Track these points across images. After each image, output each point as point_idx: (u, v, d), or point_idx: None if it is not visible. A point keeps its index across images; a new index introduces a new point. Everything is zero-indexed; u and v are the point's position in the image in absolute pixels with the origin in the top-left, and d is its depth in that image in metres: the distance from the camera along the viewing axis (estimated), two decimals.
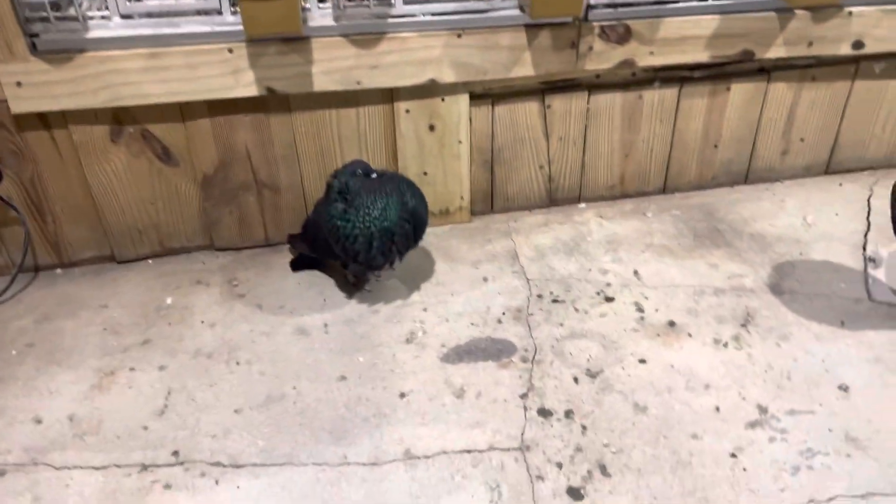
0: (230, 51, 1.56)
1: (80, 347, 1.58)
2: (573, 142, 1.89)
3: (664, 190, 2.04)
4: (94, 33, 1.52)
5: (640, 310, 1.63)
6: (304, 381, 1.48)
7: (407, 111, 1.74)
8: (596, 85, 1.83)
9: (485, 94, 1.78)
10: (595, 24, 1.68)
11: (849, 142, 2.04)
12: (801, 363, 1.47)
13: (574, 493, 1.24)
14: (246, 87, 1.61)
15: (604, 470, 1.27)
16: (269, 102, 1.67)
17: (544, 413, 1.38)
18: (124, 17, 1.53)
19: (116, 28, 1.53)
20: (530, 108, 1.82)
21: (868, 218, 1.89)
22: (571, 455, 1.30)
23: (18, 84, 1.52)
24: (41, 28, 1.50)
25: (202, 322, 1.64)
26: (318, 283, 1.75)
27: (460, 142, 1.81)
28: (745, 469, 1.26)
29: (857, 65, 1.92)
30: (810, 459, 1.27)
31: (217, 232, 1.83)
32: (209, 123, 1.68)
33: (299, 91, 1.64)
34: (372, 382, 1.47)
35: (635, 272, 1.74)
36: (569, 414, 1.38)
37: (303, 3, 1.58)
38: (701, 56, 1.78)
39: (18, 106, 1.55)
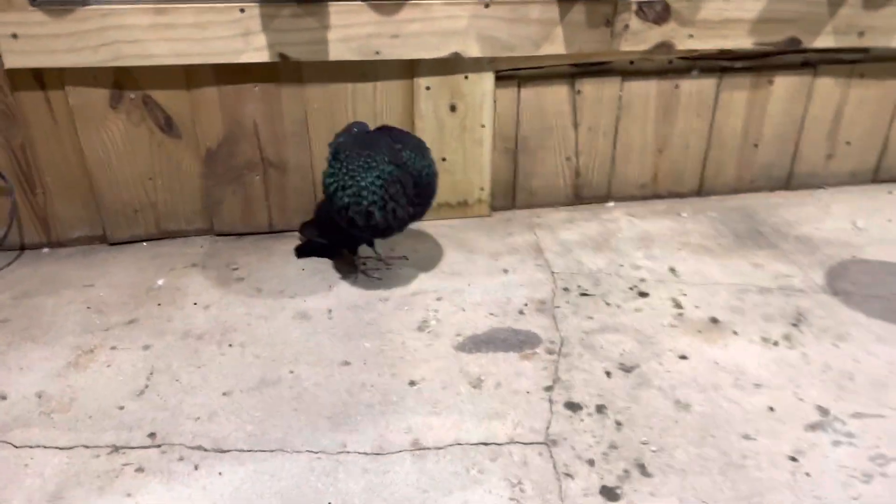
0: (242, 10, 1.46)
1: (59, 324, 1.44)
2: (603, 133, 1.76)
3: (699, 192, 1.89)
4: None
5: (679, 306, 1.47)
6: (302, 366, 1.32)
7: (427, 88, 1.62)
8: (630, 71, 1.72)
9: (511, 76, 1.66)
10: (632, 0, 1.57)
11: None
12: (864, 364, 1.30)
13: (609, 492, 1.06)
14: (257, 51, 1.50)
15: (643, 469, 1.10)
16: (281, 71, 1.56)
17: (572, 406, 1.22)
18: None
19: None
20: (559, 92, 1.70)
21: None
22: (605, 452, 1.13)
23: (14, 36, 1.42)
24: None
25: (195, 304, 1.49)
26: (324, 270, 1.61)
27: (483, 126, 1.68)
28: (808, 474, 1.09)
29: None
30: (884, 466, 1.09)
31: (218, 215, 1.70)
32: (216, 92, 1.56)
33: (313, 59, 1.53)
34: (378, 369, 1.31)
35: (671, 269, 1.59)
36: (601, 409, 1.21)
37: None
38: (744, 42, 1.66)
39: (13, 60, 1.45)
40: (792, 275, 1.56)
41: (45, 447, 1.16)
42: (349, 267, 1.61)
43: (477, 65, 1.61)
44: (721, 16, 1.62)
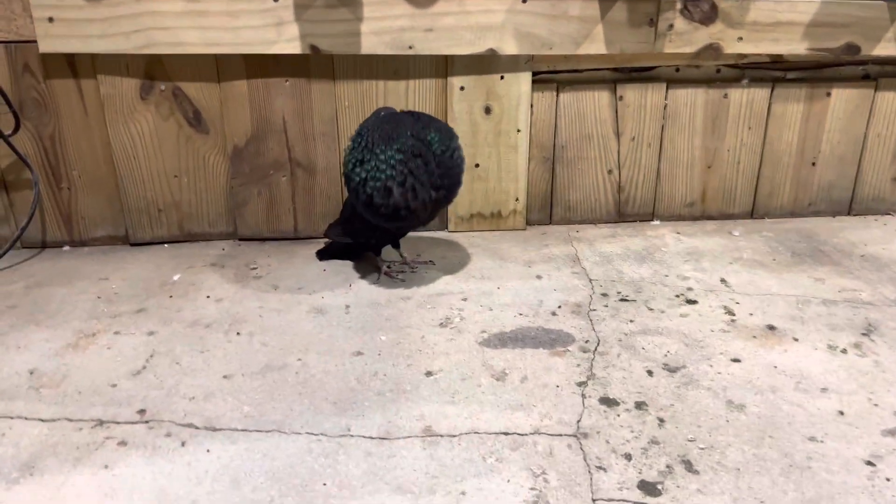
0: None
1: (66, 311, 1.37)
2: (648, 143, 1.67)
3: (752, 214, 1.76)
4: None
5: (731, 313, 1.32)
6: (312, 354, 1.21)
7: (461, 88, 1.57)
8: (675, 79, 1.63)
9: (549, 79, 1.60)
10: None
11: None
12: None
13: (648, 487, 0.90)
14: (288, 42, 1.47)
15: (689, 466, 0.94)
16: (312, 66, 1.53)
17: (608, 402, 1.07)
18: None
19: None
20: (600, 98, 1.62)
21: None
22: (644, 447, 0.97)
23: (50, 20, 1.43)
24: None
25: (208, 297, 1.41)
26: (346, 271, 1.52)
27: (519, 130, 1.61)
28: (888, 479, 0.91)
29: None
30: None
31: (242, 217, 1.64)
32: (245, 86, 1.54)
33: (345, 52, 1.49)
34: (393, 360, 1.19)
35: (722, 280, 1.45)
36: (641, 405, 1.06)
37: None
38: (797, 47, 1.57)
39: (47, 45, 1.45)
40: (859, 289, 1.41)
41: (26, 419, 1.06)
42: (372, 269, 1.51)
43: (513, 64, 1.55)
44: (772, 17, 1.54)
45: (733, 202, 1.75)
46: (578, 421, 1.03)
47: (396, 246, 1.52)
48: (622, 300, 1.38)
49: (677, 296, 1.39)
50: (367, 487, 0.91)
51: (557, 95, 1.61)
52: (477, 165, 1.63)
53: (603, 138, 1.66)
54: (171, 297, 1.42)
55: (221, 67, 1.52)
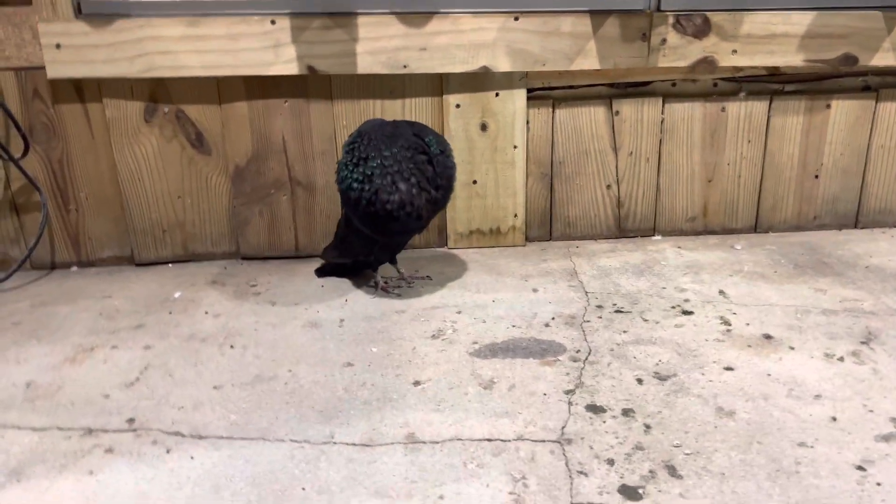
0: (273, 22, 1.48)
1: (67, 327, 1.40)
2: (646, 158, 1.67)
3: (756, 228, 1.75)
4: None
5: (727, 323, 1.30)
6: (302, 366, 1.22)
7: (457, 106, 1.59)
8: (672, 94, 1.64)
9: (544, 95, 1.61)
10: (669, 12, 1.52)
11: None
12: None
13: (629, 491, 0.89)
14: (286, 63, 1.51)
15: (672, 471, 0.92)
16: (310, 86, 1.56)
17: (594, 409, 1.06)
18: None
19: None
20: (596, 113, 1.63)
21: None
22: (628, 453, 0.96)
23: (58, 46, 1.48)
24: None
25: (206, 313, 1.43)
26: (343, 287, 1.53)
27: (515, 147, 1.62)
28: (878, 484, 0.89)
29: None
30: None
31: (244, 237, 1.67)
32: (246, 107, 1.57)
33: (342, 72, 1.52)
34: (382, 370, 1.19)
35: (720, 291, 1.43)
36: (628, 412, 1.05)
37: None
38: (793, 58, 1.57)
39: (56, 71, 1.50)
40: (861, 299, 1.38)
41: (18, 428, 1.08)
42: (369, 284, 1.52)
43: (508, 81, 1.57)
44: (767, 30, 1.54)
45: (736, 216, 1.73)
46: (563, 427, 1.02)
47: (394, 262, 1.53)
48: (617, 311, 1.36)
49: (673, 307, 1.37)
50: (345, 492, 0.91)
51: (553, 112, 1.62)
52: (475, 182, 1.64)
53: (600, 154, 1.66)
54: (170, 313, 1.44)
55: (222, 89, 1.56)
